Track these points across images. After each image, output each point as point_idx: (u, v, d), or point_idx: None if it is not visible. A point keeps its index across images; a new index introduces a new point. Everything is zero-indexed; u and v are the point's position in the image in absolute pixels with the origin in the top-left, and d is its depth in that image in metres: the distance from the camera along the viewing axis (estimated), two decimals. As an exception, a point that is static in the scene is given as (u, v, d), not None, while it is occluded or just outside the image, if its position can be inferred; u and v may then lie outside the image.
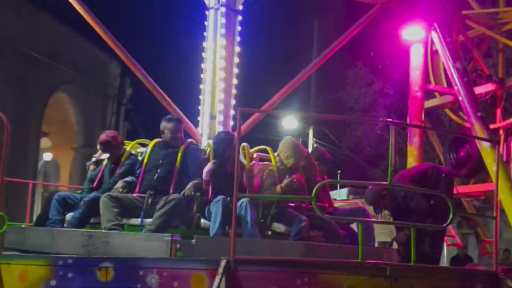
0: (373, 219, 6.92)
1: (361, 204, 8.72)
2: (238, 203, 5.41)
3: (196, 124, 7.36)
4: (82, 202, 6.14)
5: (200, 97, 7.40)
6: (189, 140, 6.46)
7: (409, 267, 4.83)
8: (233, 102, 7.32)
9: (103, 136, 6.66)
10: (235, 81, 7.43)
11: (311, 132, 19.37)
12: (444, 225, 5.18)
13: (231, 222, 5.37)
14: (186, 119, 7.29)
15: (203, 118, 7.24)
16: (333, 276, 4.55)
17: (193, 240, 5.03)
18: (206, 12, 7.60)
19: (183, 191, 5.75)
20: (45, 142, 22.20)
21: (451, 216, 4.79)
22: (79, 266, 4.46)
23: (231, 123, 7.16)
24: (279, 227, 5.92)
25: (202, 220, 5.80)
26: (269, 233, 5.99)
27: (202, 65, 7.48)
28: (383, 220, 8.55)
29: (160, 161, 6.14)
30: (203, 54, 7.50)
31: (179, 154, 6.13)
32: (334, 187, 13.93)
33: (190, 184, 5.82)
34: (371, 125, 15.45)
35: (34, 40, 18.76)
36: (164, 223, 5.49)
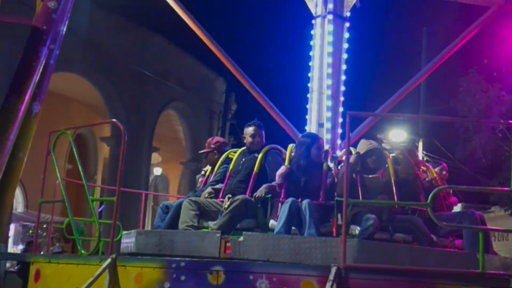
0: (482, 226, 5.63)
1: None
2: (302, 206, 5.39)
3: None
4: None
5: (307, 106, 7.36)
6: (271, 145, 6.47)
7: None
8: (341, 109, 7.22)
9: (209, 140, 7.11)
10: (342, 88, 7.34)
11: (420, 144, 18.67)
12: None
13: (296, 222, 5.44)
14: (294, 128, 7.27)
15: (311, 126, 7.20)
16: (451, 287, 4.33)
17: (241, 238, 5.04)
18: (313, 21, 7.58)
19: (255, 193, 5.81)
20: (155, 157, 23.13)
21: None
22: (192, 269, 4.57)
23: (339, 130, 7.03)
24: (354, 229, 5.58)
25: (271, 221, 5.76)
26: None
27: (309, 74, 7.44)
28: (493, 228, 7.69)
29: (240, 167, 6.32)
30: (310, 63, 7.46)
31: (259, 159, 6.22)
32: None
33: (262, 187, 5.87)
34: (488, 133, 14.51)
35: (145, 59, 19.74)
36: (228, 222, 5.58)
